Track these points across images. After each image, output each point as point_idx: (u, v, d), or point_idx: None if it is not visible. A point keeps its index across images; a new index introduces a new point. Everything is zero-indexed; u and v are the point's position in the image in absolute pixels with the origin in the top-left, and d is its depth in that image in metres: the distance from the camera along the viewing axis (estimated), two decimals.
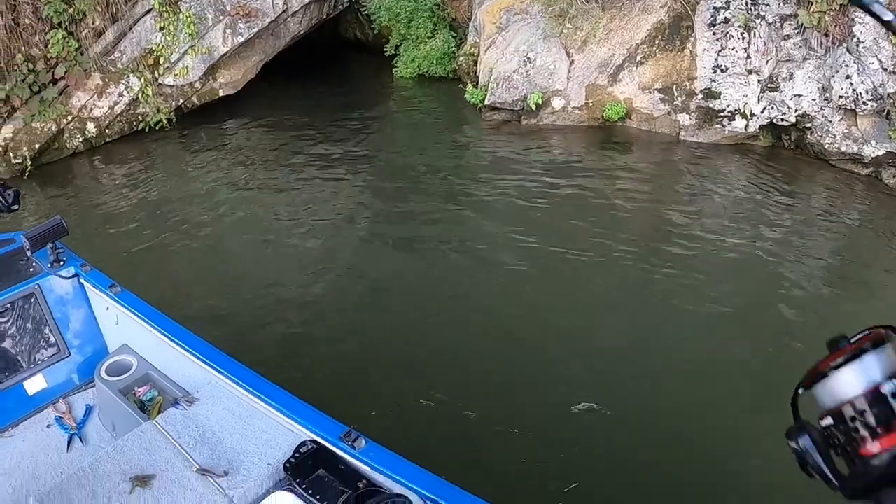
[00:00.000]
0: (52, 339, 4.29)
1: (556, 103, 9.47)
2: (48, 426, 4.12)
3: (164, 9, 10.43)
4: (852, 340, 0.92)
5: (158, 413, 3.71)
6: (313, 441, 2.99)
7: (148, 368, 4.11)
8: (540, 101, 9.37)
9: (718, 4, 8.75)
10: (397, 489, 2.69)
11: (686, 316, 5.54)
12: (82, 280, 4.40)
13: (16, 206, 4.15)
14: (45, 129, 10.17)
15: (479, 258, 6.65)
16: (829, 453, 0.94)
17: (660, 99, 9.11)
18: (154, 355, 4.12)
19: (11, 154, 10.00)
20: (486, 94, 9.86)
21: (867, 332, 0.91)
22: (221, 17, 10.66)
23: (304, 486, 2.81)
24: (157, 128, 10.84)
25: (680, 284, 5.96)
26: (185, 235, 7.71)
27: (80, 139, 10.56)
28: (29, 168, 9.98)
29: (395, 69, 12.56)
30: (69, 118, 10.37)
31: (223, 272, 6.97)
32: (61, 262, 4.38)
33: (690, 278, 6.04)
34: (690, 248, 6.57)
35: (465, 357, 5.28)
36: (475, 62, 11.21)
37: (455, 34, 12.30)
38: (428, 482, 2.65)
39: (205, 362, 3.58)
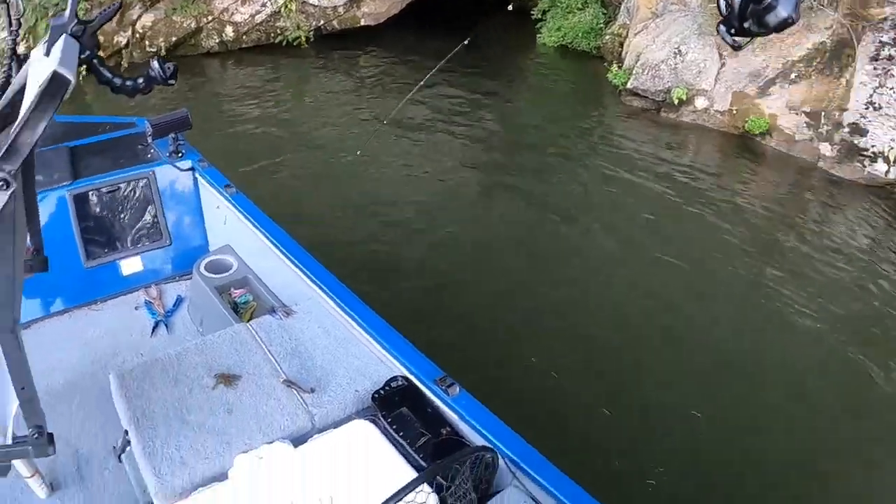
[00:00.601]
0: (157, 226, 4.76)
1: (700, 103, 10.48)
2: (136, 308, 4.61)
3: None
4: None
5: (251, 318, 4.10)
6: (405, 378, 3.26)
7: (247, 272, 4.53)
8: (684, 97, 10.39)
9: (886, 39, 9.43)
10: (480, 442, 2.89)
11: (789, 334, 6.29)
12: (197, 175, 4.87)
13: (172, 81, 4.39)
14: (184, 24, 11.55)
15: (585, 235, 7.65)
16: None
17: (805, 123, 9.92)
18: (256, 261, 4.55)
19: (147, 42, 11.38)
20: (628, 78, 10.96)
21: None
22: None
23: (388, 420, 3.02)
24: (294, 44, 12.18)
25: (786, 309, 6.62)
26: (300, 152, 8.88)
27: (217, 41, 11.93)
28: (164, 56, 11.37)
29: (538, 35, 13.67)
30: (209, 18, 11.73)
31: (332, 194, 8.02)
32: (180, 154, 4.84)
33: (794, 309, 6.63)
34: (797, 278, 7.16)
35: (563, 329, 6.10)
36: (621, 43, 12.26)
37: (605, 11, 13.35)
38: (513, 442, 2.83)
39: (308, 277, 3.90)
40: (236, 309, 4.27)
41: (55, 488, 3.37)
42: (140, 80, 4.06)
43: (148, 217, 4.75)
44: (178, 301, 4.69)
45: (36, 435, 2.23)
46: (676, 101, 10.49)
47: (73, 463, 3.51)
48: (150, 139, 4.74)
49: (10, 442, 2.33)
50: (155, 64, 4.12)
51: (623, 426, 5.09)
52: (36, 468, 3.20)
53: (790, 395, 5.52)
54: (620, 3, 13.10)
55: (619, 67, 11.40)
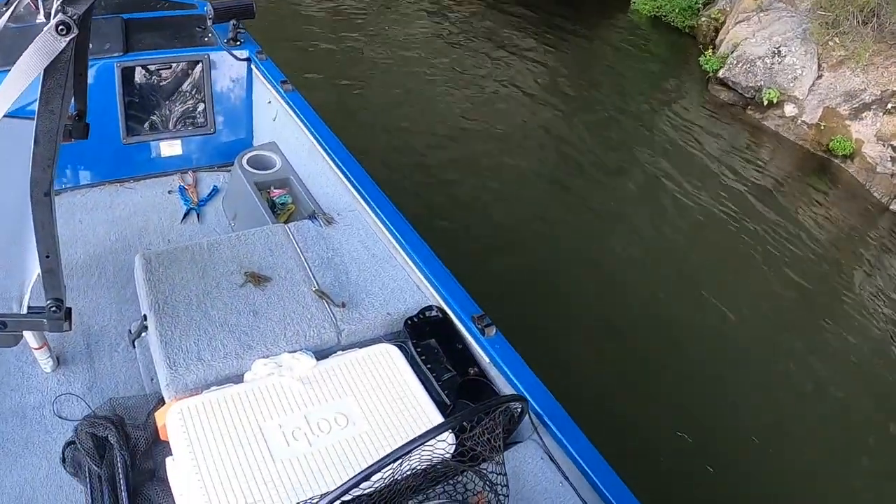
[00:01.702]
0: (203, 112, 4.73)
1: (788, 110, 10.20)
2: (170, 192, 4.60)
3: None
4: None
5: (288, 220, 4.07)
6: (440, 309, 3.25)
7: (290, 173, 4.51)
8: (774, 100, 10.11)
9: None
10: (507, 388, 2.91)
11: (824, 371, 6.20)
12: (253, 66, 4.81)
13: None
14: None
15: (628, 224, 7.59)
16: None
17: (891, 157, 9.73)
18: (302, 163, 4.51)
19: None
20: (721, 66, 10.66)
21: None
22: None
23: (418, 350, 3.04)
24: None
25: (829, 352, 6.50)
26: (367, 66, 8.95)
27: None
28: None
29: (633, 0, 13.39)
30: None
31: (394, 110, 8.15)
32: (238, 42, 4.78)
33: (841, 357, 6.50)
34: (844, 320, 7.01)
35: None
36: (717, 28, 11.94)
37: None
38: (541, 395, 2.79)
39: (354, 187, 3.85)
40: (273, 208, 4.25)
41: (61, 363, 3.34)
42: None
43: (195, 101, 4.71)
44: (214, 191, 4.69)
45: (53, 308, 2.22)
46: (766, 102, 10.22)
47: (83, 340, 3.48)
48: (209, 22, 4.61)
49: (25, 311, 2.33)
50: None
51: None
52: (45, 340, 3.15)
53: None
54: None
55: (713, 53, 11.10)
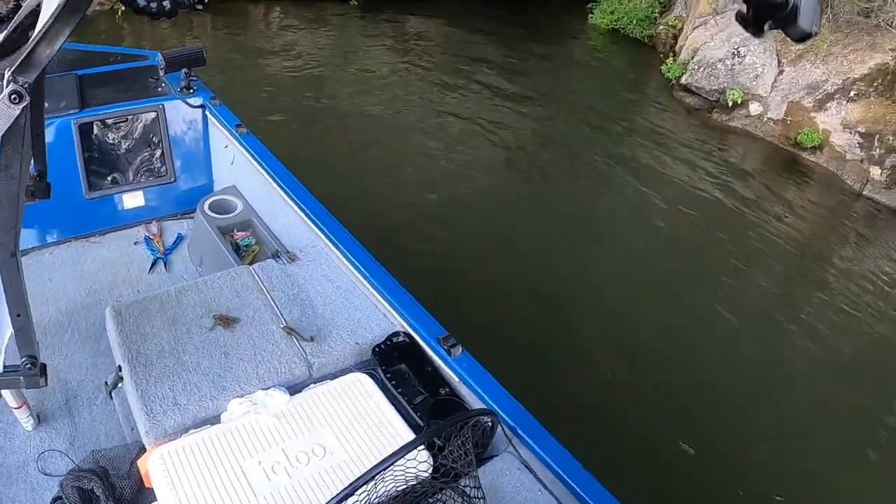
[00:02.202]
0: (162, 162, 4.77)
1: (753, 108, 10.35)
2: (135, 243, 4.62)
3: None
4: None
5: (252, 261, 4.15)
6: (407, 334, 3.30)
7: (252, 215, 4.56)
8: (738, 100, 10.25)
9: None
10: (478, 405, 2.95)
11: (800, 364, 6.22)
12: (208, 112, 4.87)
13: (200, 7, 4.74)
14: None
15: (605, 236, 7.61)
16: None
17: (858, 143, 9.86)
18: (262, 204, 4.58)
19: None
20: (683, 73, 10.82)
21: None
22: None
23: (388, 376, 3.08)
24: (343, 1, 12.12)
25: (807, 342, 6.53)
26: (327, 111, 8.88)
27: None
28: (206, 1, 11.28)
29: (591, 15, 13.60)
30: None
31: (354, 156, 8.06)
32: (191, 90, 4.85)
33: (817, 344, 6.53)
34: (823, 310, 7.04)
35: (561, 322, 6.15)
36: (675, 35, 12.14)
37: (661, 0, 13.22)
38: (511, 408, 2.85)
39: (314, 223, 3.90)
40: (238, 251, 4.30)
41: (42, 420, 3.37)
42: (165, 2, 4.16)
43: (154, 152, 4.75)
44: (179, 239, 4.72)
45: (28, 365, 2.26)
46: (730, 104, 10.37)
47: (61, 396, 3.51)
48: (162, 72, 4.67)
49: (0, 371, 2.34)
50: None
51: None
52: (24, 399, 3.20)
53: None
54: None
55: (674, 60, 11.28)
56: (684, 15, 12.12)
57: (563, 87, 11.30)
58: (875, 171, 9.69)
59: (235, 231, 4.46)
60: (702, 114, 10.79)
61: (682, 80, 10.81)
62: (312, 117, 8.75)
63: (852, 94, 9.98)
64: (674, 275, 7.14)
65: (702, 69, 10.68)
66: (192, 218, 4.69)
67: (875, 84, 9.91)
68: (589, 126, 9.88)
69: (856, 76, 10.00)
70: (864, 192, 9.66)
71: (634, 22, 12.87)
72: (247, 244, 4.39)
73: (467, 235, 7.04)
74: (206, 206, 4.54)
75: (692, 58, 10.89)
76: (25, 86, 1.67)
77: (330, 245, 3.77)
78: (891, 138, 9.65)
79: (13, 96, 1.66)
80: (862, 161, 9.84)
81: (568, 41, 13.20)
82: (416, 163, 8.14)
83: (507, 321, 5.82)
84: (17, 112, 1.68)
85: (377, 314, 3.42)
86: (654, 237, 7.65)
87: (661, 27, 12.61)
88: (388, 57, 10.97)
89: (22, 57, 1.66)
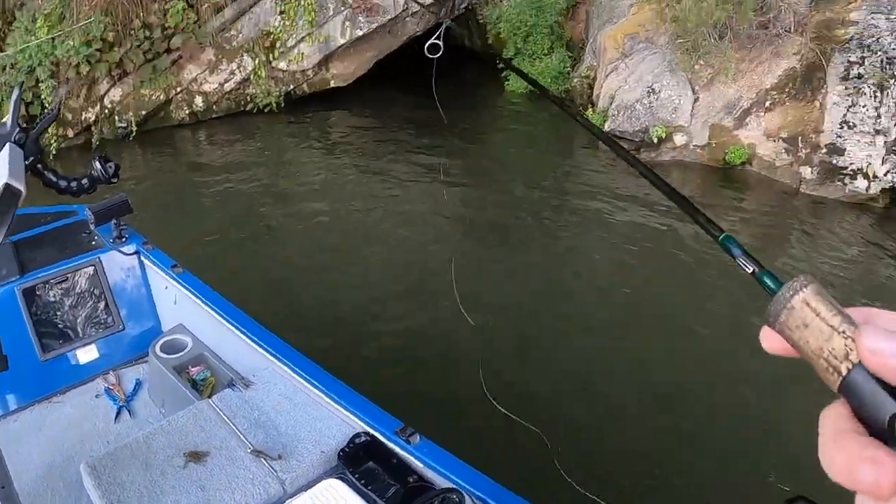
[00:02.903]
0: (108, 312, 4.84)
1: (679, 139, 10.75)
2: (97, 396, 4.64)
3: None
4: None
5: (211, 393, 4.16)
6: (367, 433, 3.41)
7: (202, 349, 4.61)
8: (663, 135, 10.64)
9: (853, 59, 9.85)
10: (447, 485, 3.03)
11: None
12: (143, 258, 4.98)
13: (115, 180, 4.46)
14: (154, 97, 11.80)
15: (568, 297, 7.77)
16: None
17: (784, 148, 10.24)
18: (210, 337, 4.65)
19: (117, 117, 11.63)
20: (605, 121, 11.19)
21: None
22: (342, 9, 12.19)
23: (357, 476, 3.19)
24: (264, 110, 12.46)
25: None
26: (270, 224, 9.09)
27: (187, 111, 12.20)
28: (134, 133, 11.65)
29: (507, 82, 13.97)
30: (178, 89, 11.99)
31: (296, 266, 8.16)
32: (123, 239, 4.96)
33: None
34: None
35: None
36: (590, 85, 12.58)
37: (570, 54, 13.70)
38: (478, 481, 2.99)
39: (262, 347, 4.04)
40: (196, 386, 4.38)
41: None
42: (84, 181, 4.20)
43: (99, 304, 4.84)
44: (138, 384, 4.74)
45: None
46: (655, 140, 10.73)
47: None
48: (92, 226, 4.83)
49: None
50: (97, 164, 4.30)
51: None
52: None
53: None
54: (585, 46, 13.62)
55: (594, 111, 11.66)
56: (595, 64, 12.57)
57: (494, 160, 11.61)
58: (806, 171, 10.03)
59: (190, 367, 4.51)
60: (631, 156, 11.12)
61: (606, 128, 11.07)
62: (254, 231, 8.96)
63: (768, 104, 10.40)
64: (642, 300, 7.48)
65: (622, 113, 11.07)
66: (147, 362, 4.76)
67: (787, 89, 10.35)
68: (526, 193, 10.16)
69: (767, 86, 10.44)
70: (801, 191, 10.06)
71: (549, 80, 13.21)
72: (203, 378, 4.46)
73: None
74: (157, 349, 4.59)
75: (610, 104, 11.28)
76: None
77: (281, 365, 3.90)
78: (813, 136, 10.01)
79: None
80: (791, 164, 10.20)
81: (490, 112, 13.61)
82: (364, 259, 8.33)
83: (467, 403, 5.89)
84: None
85: (337, 420, 3.54)
86: (618, 278, 7.93)
87: (575, 80, 13.03)
88: (318, 157, 11.30)
89: None
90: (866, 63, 9.89)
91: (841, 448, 0.55)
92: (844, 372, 0.59)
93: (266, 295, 7.33)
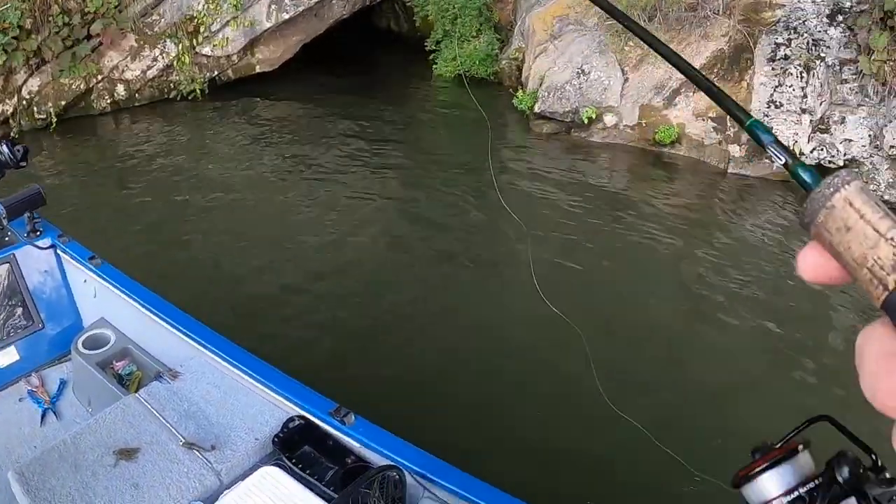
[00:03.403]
0: (26, 311, 4.67)
1: (609, 120, 10.86)
2: (20, 400, 4.46)
3: None
4: (777, 445, 1.08)
5: (138, 388, 4.09)
6: (301, 417, 3.40)
7: (126, 342, 4.49)
8: (593, 116, 10.74)
9: (780, 40, 10.09)
10: (384, 463, 3.04)
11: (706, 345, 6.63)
12: (59, 251, 4.83)
13: (24, 164, 4.47)
14: (74, 87, 11.47)
15: (497, 278, 7.77)
16: None
17: (712, 127, 10.46)
18: (134, 329, 4.53)
19: (35, 108, 11.24)
20: (535, 102, 11.28)
21: (784, 442, 1.09)
22: None
23: (293, 461, 3.18)
24: (189, 97, 12.22)
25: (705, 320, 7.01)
26: (196, 214, 8.91)
27: (109, 100, 11.91)
28: (54, 125, 11.29)
29: (434, 66, 13.95)
30: (99, 77, 11.67)
31: (224, 256, 8.00)
32: (38, 232, 4.78)
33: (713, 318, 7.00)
34: (715, 286, 7.53)
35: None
36: (518, 67, 12.67)
37: (499, 36, 13.76)
38: (417, 456, 3.02)
39: (188, 336, 3.99)
40: (122, 381, 4.29)
41: None
42: None
43: (15, 303, 4.67)
44: (62, 384, 4.61)
45: None
46: (586, 121, 10.83)
47: None
48: (4, 222, 4.62)
49: None
50: (3, 148, 4.26)
51: None
52: None
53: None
54: (513, 28, 13.68)
55: (524, 92, 11.71)
56: (524, 46, 12.65)
57: (424, 144, 11.60)
58: (734, 149, 10.27)
59: (114, 362, 4.40)
60: (561, 136, 11.23)
61: (536, 109, 11.18)
62: (180, 218, 8.79)
63: None
64: (588, 279, 7.57)
65: (552, 94, 11.14)
66: (70, 360, 4.62)
67: (715, 70, 10.54)
68: (459, 177, 10.12)
69: (696, 67, 10.63)
70: (729, 170, 10.28)
71: (477, 62, 13.26)
72: (129, 372, 4.37)
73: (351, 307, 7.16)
74: (79, 345, 4.46)
75: (540, 85, 11.33)
76: None
77: (209, 353, 3.85)
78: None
79: None
80: (720, 143, 10.41)
81: (419, 96, 13.59)
82: (293, 247, 8.23)
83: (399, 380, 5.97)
84: None
85: (269, 406, 3.51)
86: (549, 257, 7.84)
87: (503, 62, 13.10)
88: (244, 144, 11.10)
89: None
90: (793, 44, 10.10)
91: (890, 371, 0.50)
92: (892, 286, 0.52)
93: (193, 286, 7.19)
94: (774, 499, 1.02)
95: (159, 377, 3.85)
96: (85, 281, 4.79)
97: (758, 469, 1.04)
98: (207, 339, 3.90)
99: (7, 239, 4.80)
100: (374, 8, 15.61)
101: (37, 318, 4.72)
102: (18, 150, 4.34)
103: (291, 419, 3.39)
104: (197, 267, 7.76)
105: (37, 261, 4.79)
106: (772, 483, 1.03)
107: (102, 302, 4.71)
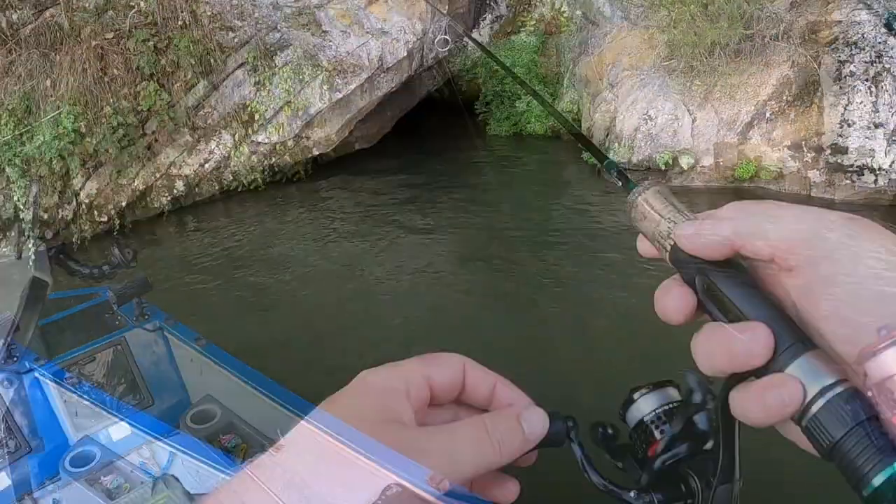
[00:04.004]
0: (138, 388, 4.96)
1: (685, 162, 10.81)
2: (132, 471, 4.63)
3: (259, 63, 11.84)
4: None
5: (244, 459, 4.36)
6: (398, 484, 3.96)
7: (232, 417, 4.77)
8: (669, 161, 10.73)
9: (843, 58, 10.11)
10: None
11: None
12: (167, 333, 5.16)
13: (133, 264, 4.93)
14: (132, 187, 11.45)
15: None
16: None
17: (789, 156, 10.40)
18: (238, 403, 4.82)
19: (96, 212, 11.25)
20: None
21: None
22: (318, 73, 12.11)
23: None
24: (250, 187, 12.25)
25: None
26: (266, 304, 8.90)
27: (168, 198, 11.87)
28: (117, 228, 11.29)
29: (487, 126, 14.10)
30: (157, 175, 11.67)
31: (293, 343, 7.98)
32: (146, 316, 5.13)
33: None
34: None
35: None
36: (574, 119, 12.67)
37: (549, 90, 13.86)
38: None
39: (288, 409, 4.24)
40: (229, 454, 4.47)
41: None
42: (105, 267, 4.61)
43: (128, 382, 4.94)
44: (171, 458, 4.74)
45: None
46: (663, 166, 10.83)
47: None
48: (115, 307, 4.97)
49: None
50: (115, 251, 4.63)
51: None
52: None
53: None
54: (560, 80, 13.72)
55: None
56: (576, 97, 12.72)
57: (495, 211, 11.36)
58: (814, 175, 10.24)
59: (221, 436, 4.64)
60: None
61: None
62: (244, 308, 8.88)
63: (768, 114, 10.54)
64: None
65: (622, 144, 11.16)
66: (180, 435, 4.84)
67: (784, 96, 10.52)
68: (538, 242, 10.03)
69: (764, 97, 10.59)
70: (813, 195, 10.24)
71: (533, 119, 13.40)
72: (234, 445, 4.58)
73: None
74: (188, 421, 4.73)
75: (607, 136, 11.38)
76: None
77: (314, 429, 3.89)
78: (815, 140, 10.22)
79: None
80: (799, 171, 10.38)
81: (478, 159, 13.59)
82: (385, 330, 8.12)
83: None
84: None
85: (365, 472, 3.53)
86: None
87: None
88: (315, 230, 11.11)
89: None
90: (856, 60, 10.14)
91: (659, 296, 0.75)
92: (668, 248, 0.76)
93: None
94: (645, 415, 1.11)
95: (263, 449, 3.82)
96: (191, 360, 5.08)
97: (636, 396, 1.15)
98: (304, 408, 3.88)
99: (118, 323, 5.07)
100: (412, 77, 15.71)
101: (147, 395, 4.96)
102: (128, 253, 4.74)
103: (389, 487, 3.33)
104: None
105: (145, 342, 5.08)
106: (644, 404, 1.13)
107: (209, 378, 5.01)
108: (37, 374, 4.81)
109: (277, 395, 4.33)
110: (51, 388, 4.83)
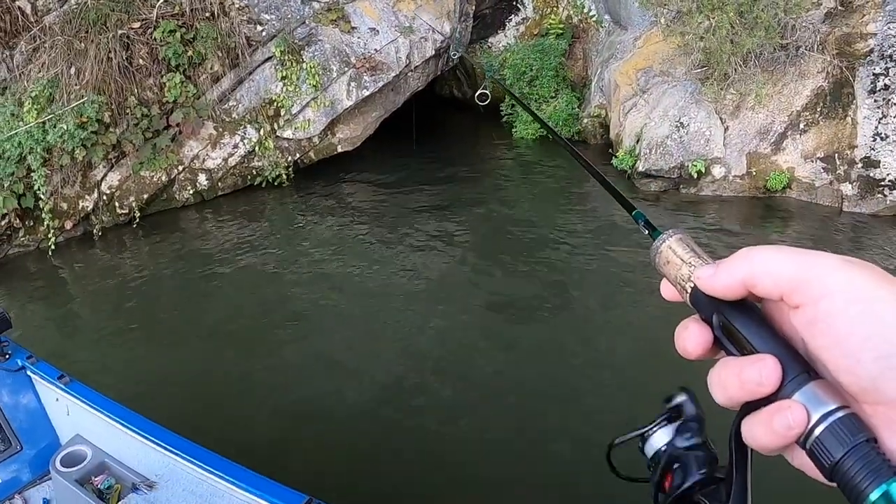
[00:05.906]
0: (3, 435, 4.81)
1: (717, 172, 11.15)
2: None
3: (286, 57, 12.14)
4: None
5: (118, 500, 4.30)
6: None
7: (103, 457, 4.58)
8: (702, 170, 11.03)
9: (878, 70, 10.42)
10: None
11: None
12: (29, 372, 4.99)
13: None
14: (154, 179, 11.77)
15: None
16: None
17: (822, 168, 10.71)
18: (108, 443, 4.65)
19: (117, 203, 11.57)
20: (636, 161, 11.57)
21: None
22: (346, 69, 12.45)
23: None
24: (274, 183, 12.55)
25: None
26: (294, 311, 8.95)
27: (191, 191, 12.21)
28: (137, 219, 11.62)
29: (514, 129, 14.41)
30: (180, 168, 11.99)
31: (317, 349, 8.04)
32: (6, 356, 4.96)
33: None
34: None
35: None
36: (602, 124, 13.06)
37: (576, 94, 14.24)
38: None
39: (161, 446, 4.18)
40: (102, 496, 4.41)
41: None
42: None
43: None
44: (45, 503, 4.77)
45: None
46: (695, 175, 11.10)
47: None
48: None
49: None
50: None
51: None
52: None
53: None
54: (588, 84, 14.08)
55: (622, 150, 11.99)
56: (605, 102, 13.01)
57: (518, 215, 11.70)
58: (846, 188, 10.52)
59: (93, 477, 4.56)
60: (670, 193, 11.47)
61: (640, 168, 11.44)
62: (268, 315, 8.83)
63: (801, 125, 10.86)
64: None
65: (653, 151, 11.44)
66: (51, 479, 4.76)
67: (818, 108, 10.82)
68: (568, 248, 10.25)
69: (798, 108, 10.89)
70: (844, 208, 10.55)
71: (560, 123, 13.70)
72: (108, 486, 4.52)
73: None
74: (57, 463, 4.57)
75: (638, 142, 11.66)
76: None
77: (181, 460, 4.07)
78: (848, 153, 10.49)
79: None
80: (831, 183, 10.68)
81: (504, 163, 13.89)
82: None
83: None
84: None
85: None
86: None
87: (585, 121, 13.51)
88: (336, 230, 11.26)
89: None
90: (891, 73, 10.43)
91: (679, 334, 0.87)
92: (689, 290, 0.87)
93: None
94: (660, 448, 1.56)
95: (135, 489, 4.13)
96: (57, 399, 4.96)
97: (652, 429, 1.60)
98: (180, 448, 4.12)
99: None
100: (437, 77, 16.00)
101: (14, 440, 4.87)
102: None
103: None
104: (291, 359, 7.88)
105: (8, 383, 4.99)
106: (659, 438, 1.57)
107: (76, 418, 4.89)
108: (28, 373, 5.01)
109: (149, 431, 4.30)
110: (42, 386, 5.02)
